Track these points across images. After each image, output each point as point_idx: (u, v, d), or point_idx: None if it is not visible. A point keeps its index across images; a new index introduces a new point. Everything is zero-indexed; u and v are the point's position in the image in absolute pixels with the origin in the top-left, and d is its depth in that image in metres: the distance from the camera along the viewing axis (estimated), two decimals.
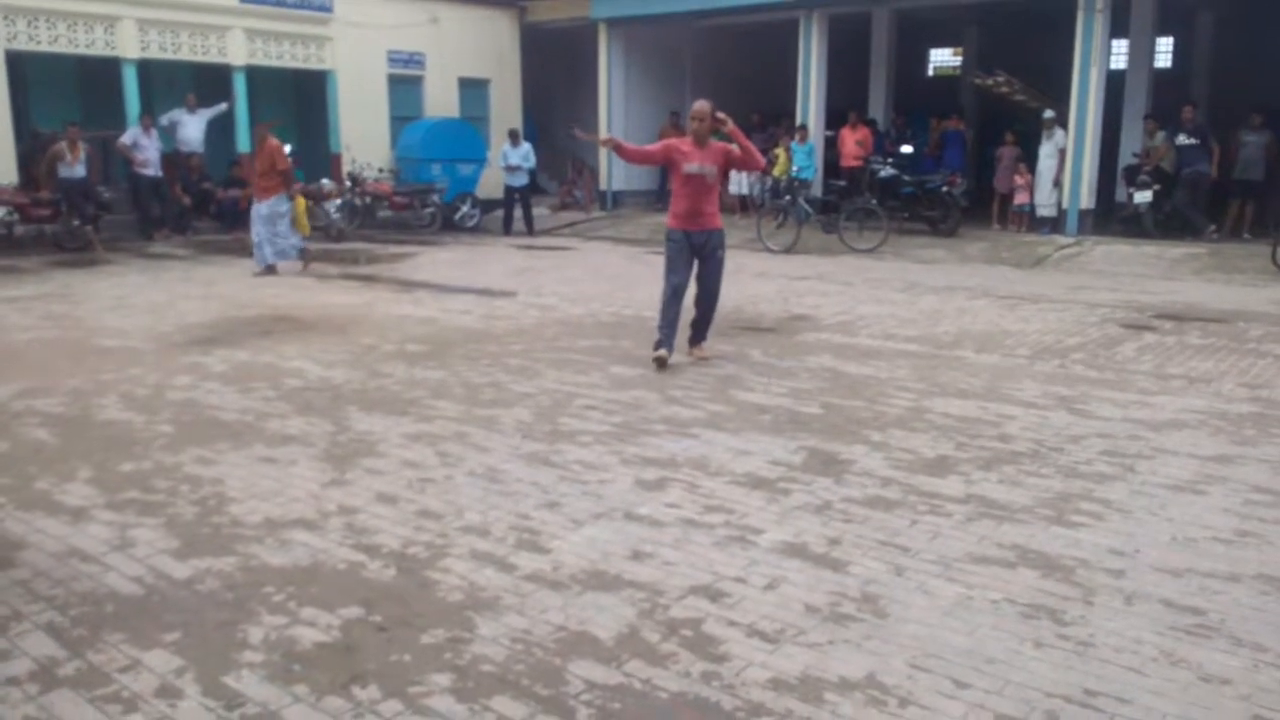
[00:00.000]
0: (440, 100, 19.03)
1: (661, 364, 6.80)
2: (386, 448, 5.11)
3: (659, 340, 6.89)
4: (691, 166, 6.80)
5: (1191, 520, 4.17)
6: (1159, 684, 2.89)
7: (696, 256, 6.96)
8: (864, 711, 2.75)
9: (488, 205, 17.83)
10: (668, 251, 7.00)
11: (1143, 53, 16.37)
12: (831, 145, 17.39)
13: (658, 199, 19.49)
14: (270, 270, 11.57)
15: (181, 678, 2.90)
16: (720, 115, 6.82)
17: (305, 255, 11.92)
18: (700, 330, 7.24)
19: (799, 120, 16.89)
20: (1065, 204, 14.90)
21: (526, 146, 16.59)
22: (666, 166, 7.09)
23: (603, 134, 7.40)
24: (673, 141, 7.07)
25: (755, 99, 20.09)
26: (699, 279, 7.05)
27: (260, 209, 11.53)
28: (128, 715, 2.71)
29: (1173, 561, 3.75)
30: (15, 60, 14.51)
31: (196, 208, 16.00)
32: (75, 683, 2.87)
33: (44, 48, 14.55)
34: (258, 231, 11.59)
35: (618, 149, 7.02)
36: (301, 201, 12.24)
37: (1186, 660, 3.02)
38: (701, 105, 6.85)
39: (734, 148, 6.88)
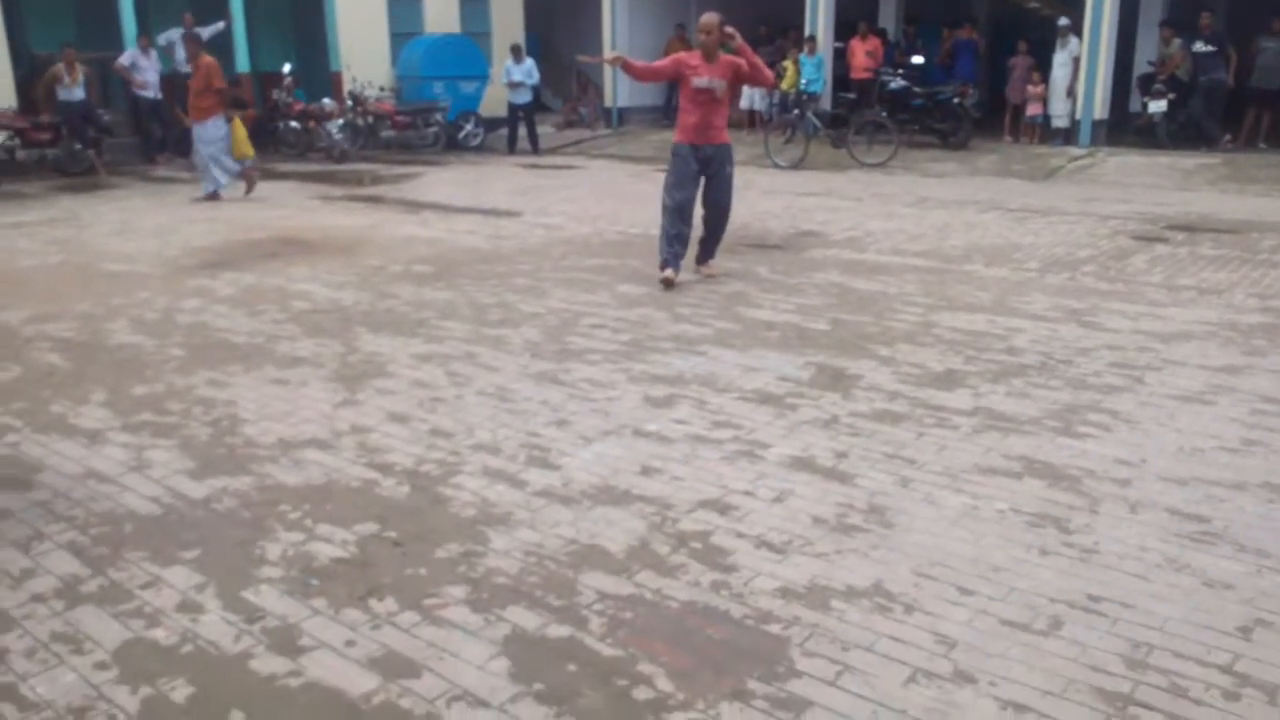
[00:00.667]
0: (441, 16, 18.63)
1: (668, 285, 6.74)
2: (396, 368, 5.14)
3: (665, 260, 6.81)
4: (700, 80, 6.68)
5: (1199, 430, 4.18)
6: (1162, 589, 2.94)
7: (703, 173, 6.85)
8: (870, 618, 2.80)
9: (491, 124, 17.58)
10: (671, 167, 6.86)
11: None
12: (841, 57, 17.04)
13: (664, 115, 19.19)
14: (213, 196, 11.09)
15: (202, 593, 2.96)
16: (729, 29, 6.68)
17: (250, 178, 11.38)
18: (709, 248, 7.18)
19: (807, 31, 16.53)
20: (1079, 114, 14.65)
21: (530, 63, 16.30)
22: (675, 81, 6.95)
23: (607, 52, 7.11)
24: (681, 56, 6.95)
25: (763, 10, 19.62)
26: (706, 196, 6.95)
27: (199, 131, 10.97)
28: (151, 629, 2.78)
29: (1179, 470, 3.77)
30: None
31: None
32: (99, 599, 2.94)
33: None
34: (201, 154, 11.06)
35: (625, 67, 6.84)
36: (240, 123, 11.54)
37: (1190, 566, 3.07)
38: (709, 18, 6.73)
39: (743, 62, 6.76)
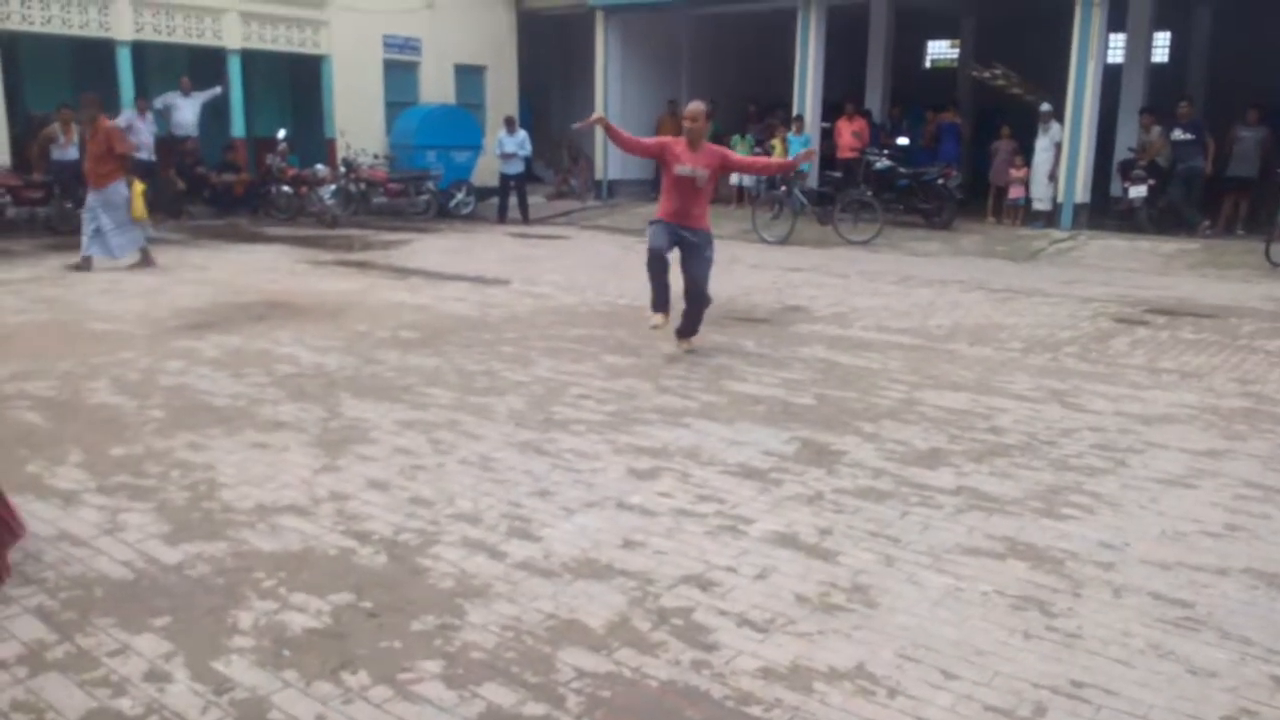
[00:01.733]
0: (436, 86, 18.95)
1: (659, 327, 6.87)
2: (379, 434, 5.11)
3: (653, 305, 6.93)
4: (683, 169, 6.63)
5: (1181, 514, 4.18)
6: (1146, 676, 2.91)
7: (680, 246, 6.81)
8: (853, 701, 2.76)
9: (483, 193, 17.77)
10: (649, 230, 6.91)
11: (1140, 47, 16.36)
12: (828, 136, 17.36)
13: (652, 189, 19.39)
14: (86, 263, 10.42)
15: (170, 662, 2.90)
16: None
17: (146, 253, 10.86)
18: (689, 324, 7.04)
19: (795, 111, 16.86)
20: (1060, 198, 14.91)
21: (522, 134, 16.55)
22: (659, 163, 6.93)
23: (595, 114, 7.15)
24: (668, 140, 6.90)
25: (752, 89, 20.05)
26: (685, 271, 6.84)
27: (99, 196, 10.36)
28: (116, 699, 2.71)
29: (1162, 555, 3.76)
30: (8, 41, 14.42)
31: (190, 192, 15.94)
32: (64, 666, 2.87)
33: (37, 28, 14.46)
34: (96, 219, 10.40)
35: (610, 131, 6.79)
36: (139, 186, 10.85)
37: (1174, 653, 3.04)
38: (696, 106, 6.74)
39: (730, 153, 6.86)
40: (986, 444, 5.10)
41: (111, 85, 15.25)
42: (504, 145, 16.39)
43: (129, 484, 4.34)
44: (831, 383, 6.31)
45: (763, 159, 7.18)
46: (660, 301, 6.91)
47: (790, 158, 15.46)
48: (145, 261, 10.82)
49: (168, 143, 15.63)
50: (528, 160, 16.87)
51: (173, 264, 11.18)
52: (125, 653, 2.95)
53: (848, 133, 16.65)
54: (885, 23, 18.88)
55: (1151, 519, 4.13)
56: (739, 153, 16.71)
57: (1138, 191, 14.27)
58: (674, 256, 6.88)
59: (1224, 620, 3.25)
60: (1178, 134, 14.06)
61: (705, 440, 5.08)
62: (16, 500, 4.10)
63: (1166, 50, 21.03)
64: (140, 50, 15.76)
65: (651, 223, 6.89)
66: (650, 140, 7.16)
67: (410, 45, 18.59)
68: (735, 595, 3.38)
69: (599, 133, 16.55)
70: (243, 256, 11.84)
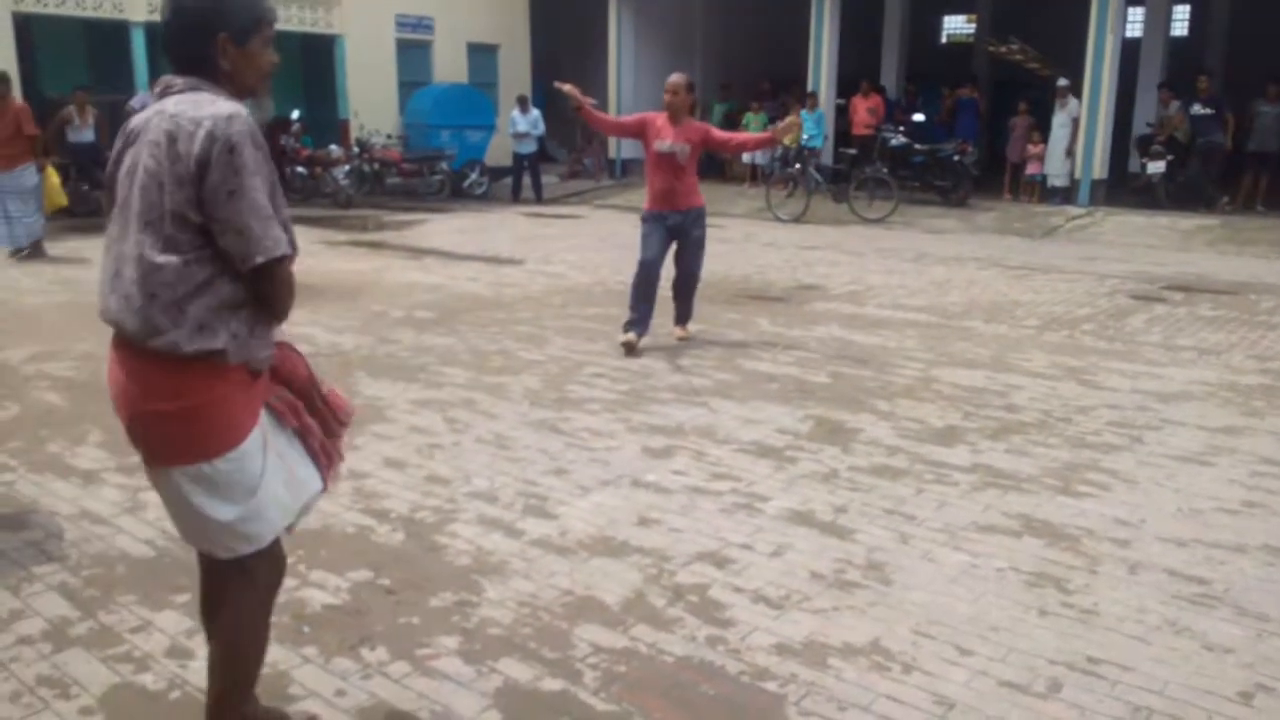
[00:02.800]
0: (449, 66, 18.91)
1: (629, 349, 6.36)
2: (395, 413, 5.13)
3: (628, 322, 6.47)
4: (662, 145, 6.32)
5: (1198, 491, 4.17)
6: (1162, 652, 2.91)
7: (673, 237, 6.50)
8: (867, 677, 2.77)
9: (496, 172, 17.75)
10: (641, 230, 6.55)
11: (1159, 21, 16.17)
12: (843, 113, 17.25)
13: None
14: (20, 253, 10.00)
15: (192, 639, 2.93)
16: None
17: (39, 244, 10.19)
18: (682, 311, 6.82)
19: (810, 88, 16.74)
20: (1078, 174, 14.79)
21: (535, 113, 16.50)
22: (641, 142, 6.54)
23: (586, 98, 6.60)
24: (648, 115, 6.56)
25: (766, 67, 19.93)
26: (676, 260, 6.60)
27: (6, 180, 9.72)
28: (139, 674, 2.75)
29: (1178, 531, 3.75)
30: (23, 24, 14.44)
31: None
32: (87, 642, 2.91)
33: (51, 10, 14.48)
34: (3, 204, 9.77)
35: (585, 112, 6.36)
36: (53, 173, 10.28)
37: (1190, 629, 3.04)
38: (676, 79, 6.44)
39: (713, 129, 6.54)
40: (1002, 421, 5.09)
41: (126, 67, 15.29)
42: (517, 125, 16.35)
43: None
44: (846, 361, 6.30)
45: (742, 135, 6.85)
46: (639, 320, 6.45)
47: (804, 135, 15.49)
48: (35, 252, 10.15)
49: None
50: (541, 140, 16.83)
51: None
52: (147, 629, 2.98)
53: (863, 109, 16.55)
54: None
55: (1168, 496, 4.12)
56: (751, 129, 16.75)
57: (1156, 167, 14.14)
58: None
59: (1240, 597, 3.24)
60: (1197, 109, 13.91)
61: (720, 418, 5.09)
62: (38, 480, 4.15)
63: (1185, 24, 20.78)
64: (154, 31, 15.75)
65: (643, 219, 6.55)
66: (629, 118, 6.81)
67: (423, 24, 18.54)
68: (750, 572, 3.40)
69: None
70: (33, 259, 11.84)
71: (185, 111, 2.04)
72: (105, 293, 2.12)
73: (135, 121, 2.12)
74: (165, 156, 2.00)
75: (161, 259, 2.02)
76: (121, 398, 2.15)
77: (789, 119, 6.66)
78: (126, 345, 2.10)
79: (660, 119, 6.41)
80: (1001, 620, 3.08)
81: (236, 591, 2.25)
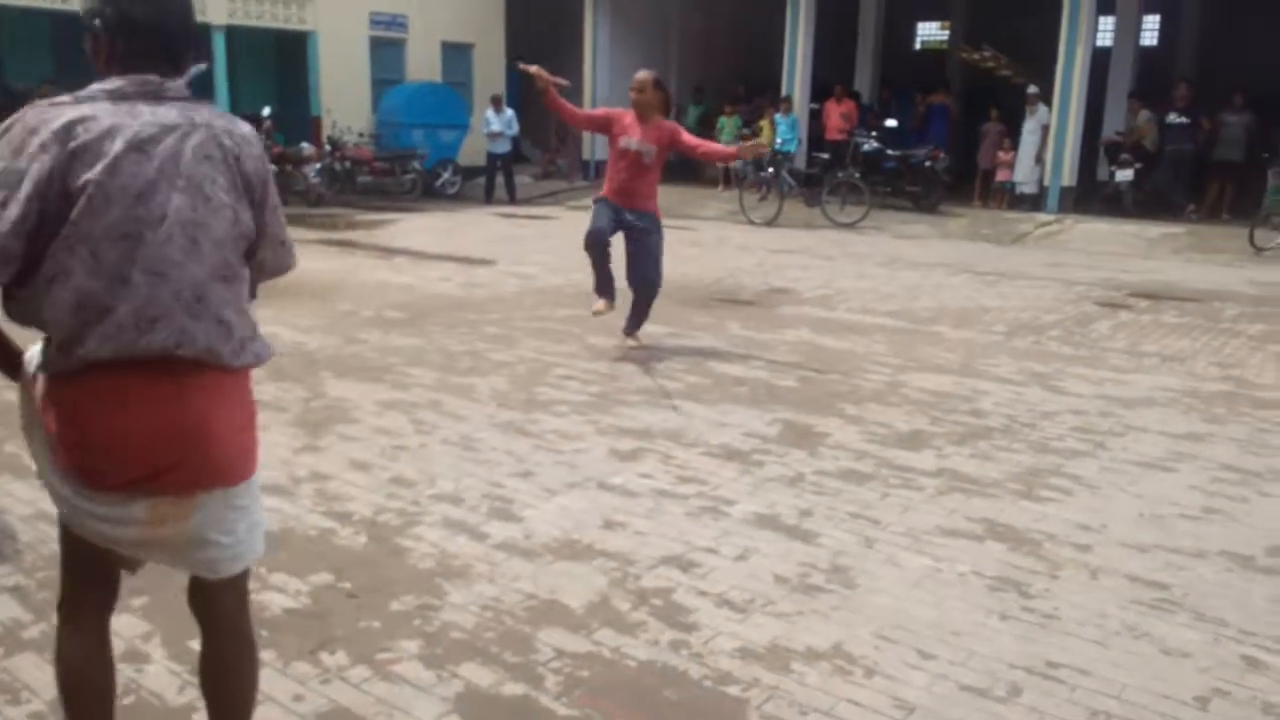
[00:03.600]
0: (423, 64, 18.81)
1: (601, 314, 6.48)
2: (360, 415, 5.09)
3: (595, 288, 6.48)
4: (629, 141, 6.15)
5: (1160, 497, 4.21)
6: (1121, 656, 2.93)
7: (623, 230, 6.32)
8: (830, 681, 2.77)
9: (470, 172, 17.68)
10: (592, 210, 6.44)
11: (1129, 30, 16.37)
12: (816, 118, 17.33)
13: None
14: None
15: (148, 642, 2.89)
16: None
17: None
18: (635, 319, 6.58)
19: (784, 92, 16.81)
20: (1047, 181, 14.94)
21: (510, 113, 16.45)
22: (607, 136, 6.39)
23: (554, 78, 6.27)
24: (616, 111, 6.40)
25: (741, 70, 19.98)
26: (629, 259, 6.39)
27: None
28: None
29: (1139, 537, 3.79)
30: None
31: None
32: (40, 646, 2.86)
33: (16, 1, 14.27)
34: None
35: (552, 100, 6.18)
36: None
37: (1149, 634, 3.06)
38: (642, 75, 6.26)
39: (682, 131, 6.35)
40: (968, 426, 5.12)
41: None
42: (491, 124, 16.30)
43: None
44: (816, 365, 6.32)
45: (709, 144, 6.63)
46: (604, 286, 6.44)
47: (778, 139, 15.53)
48: None
49: None
50: (515, 139, 16.80)
51: None
52: None
53: (836, 114, 16.63)
54: (875, 4, 18.84)
55: (1130, 501, 4.16)
56: (724, 135, 16.78)
57: (1124, 175, 14.31)
58: (618, 241, 6.43)
59: (1199, 602, 3.27)
60: (1172, 118, 14.08)
61: (688, 422, 5.09)
62: None
63: (1155, 34, 21.03)
64: None
65: (595, 200, 6.44)
66: (596, 111, 6.62)
67: (397, 22, 18.44)
68: (715, 576, 3.39)
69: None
70: None
71: (228, 126, 1.99)
72: (175, 323, 1.87)
73: (136, 128, 1.87)
74: (234, 174, 1.95)
75: (241, 274, 2.00)
76: (193, 432, 1.93)
77: (755, 140, 6.64)
78: (202, 373, 1.93)
79: (629, 116, 6.24)
80: (963, 624, 3.10)
81: (245, 616, 2.19)
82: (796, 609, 3.18)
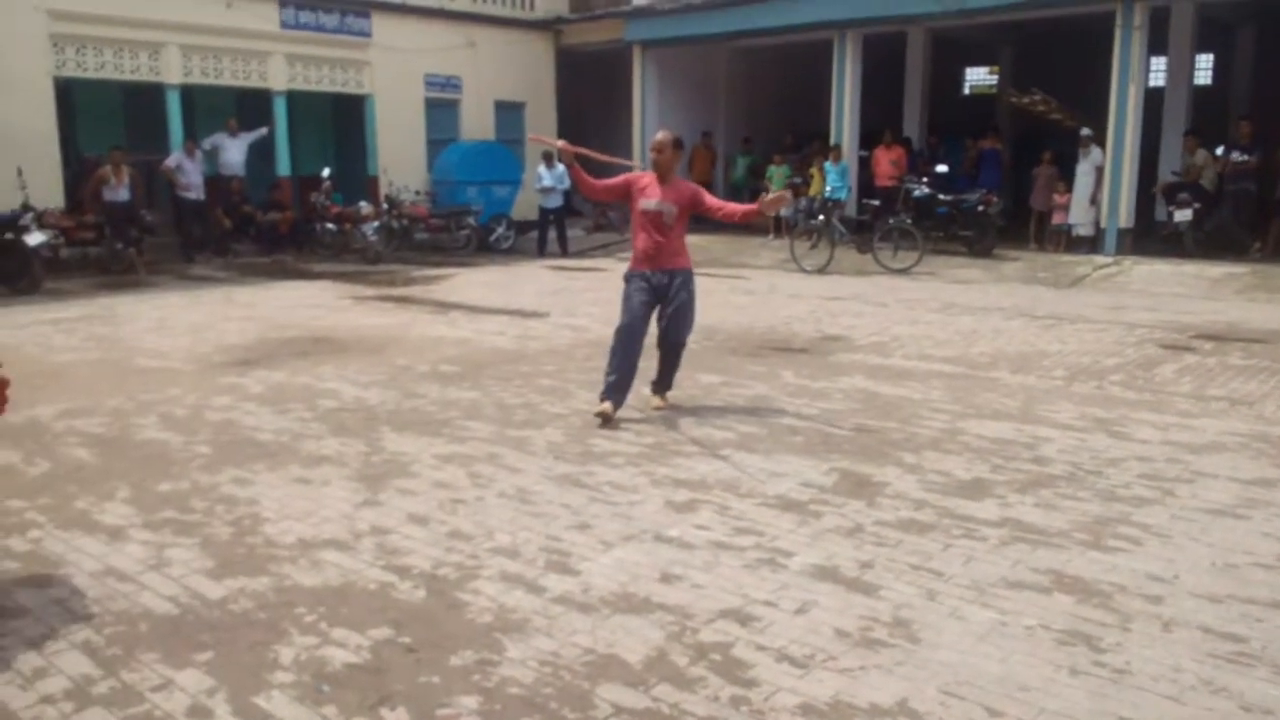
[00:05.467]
0: (476, 123, 19.23)
1: (606, 420, 5.95)
2: (419, 468, 5.14)
3: (604, 391, 6.09)
4: (649, 203, 6.07)
5: (1232, 545, 4.08)
6: (1198, 713, 2.83)
7: (658, 301, 6.17)
8: None
9: (523, 226, 17.95)
10: (623, 293, 6.22)
11: (1182, 69, 16.21)
12: (866, 165, 17.34)
13: (692, 220, 19.43)
14: None
15: (213, 697, 2.92)
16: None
17: None
18: (663, 379, 6.43)
19: (833, 140, 16.87)
20: (1103, 223, 14.74)
21: (561, 168, 16.67)
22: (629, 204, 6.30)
23: (560, 140, 6.37)
24: (633, 176, 6.30)
25: (789, 119, 20.10)
26: (661, 323, 6.23)
27: None
28: None
29: (1213, 587, 3.67)
30: (63, 87, 14.86)
31: (237, 230, 16.27)
32: (109, 701, 2.91)
33: (90, 74, 14.90)
34: None
35: (574, 174, 6.21)
36: None
37: (1227, 689, 2.96)
38: (661, 136, 6.14)
39: (705, 192, 6.24)
40: (1031, 474, 5.03)
41: (161, 127, 15.68)
42: (543, 179, 16.57)
43: (175, 519, 4.41)
44: (872, 413, 6.26)
45: (730, 205, 6.28)
46: (616, 388, 6.08)
47: (828, 186, 15.54)
48: None
49: (216, 182, 15.99)
50: (566, 194, 17.04)
51: (220, 301, 11.39)
52: (169, 688, 2.98)
53: (886, 161, 16.62)
54: (922, 51, 18.88)
55: (1202, 550, 4.03)
56: (775, 185, 16.85)
57: (1183, 215, 14.07)
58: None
59: (1278, 655, 3.15)
60: (1236, 155, 13.86)
61: (743, 472, 5.06)
62: (64, 536, 4.19)
63: (1209, 72, 20.79)
64: (189, 93, 16.19)
65: (626, 278, 6.23)
66: (614, 180, 6.37)
67: (451, 84, 18.91)
68: (774, 630, 3.35)
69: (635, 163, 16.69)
70: (287, 293, 12.04)
71: None
72: None
73: None
74: None
75: None
76: None
77: (777, 192, 6.26)
78: None
79: (647, 178, 6.18)
80: (1032, 679, 3.02)
81: None
82: (859, 664, 3.12)
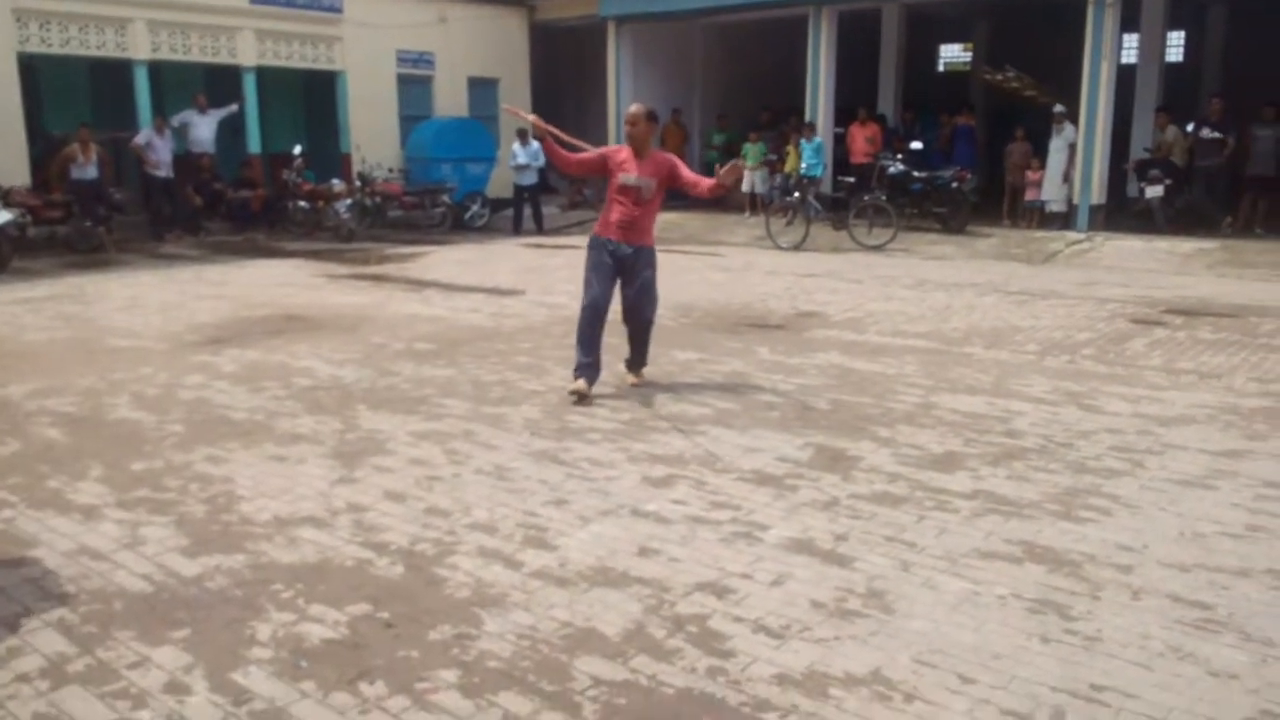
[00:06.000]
0: (450, 100, 19.06)
1: (581, 397, 5.95)
2: (395, 445, 5.13)
3: (577, 368, 6.07)
4: (628, 178, 5.98)
5: (1201, 515, 4.15)
6: (1166, 679, 2.88)
7: (620, 274, 6.15)
8: (869, 707, 2.75)
9: (497, 204, 17.85)
10: (586, 261, 6.19)
11: (1154, 46, 16.30)
12: (841, 142, 17.35)
13: (670, 197, 19.38)
14: None
15: (190, 674, 2.92)
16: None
17: None
18: (636, 357, 6.44)
19: (808, 117, 16.85)
20: (1076, 199, 14.84)
21: (536, 145, 16.54)
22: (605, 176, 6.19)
23: (530, 114, 6.40)
24: (609, 150, 6.23)
25: (765, 96, 20.05)
26: (624, 300, 6.22)
27: None
28: (136, 711, 2.74)
29: (1181, 556, 3.74)
30: (28, 63, 14.60)
31: (208, 208, 16.07)
32: (85, 679, 2.89)
33: (55, 50, 14.63)
34: None
35: (548, 148, 6.12)
36: None
37: (1194, 655, 3.02)
38: (634, 109, 6.08)
39: (678, 163, 6.15)
40: (1003, 447, 5.08)
41: (129, 104, 15.43)
42: (518, 156, 16.46)
43: (149, 498, 4.38)
44: (846, 388, 6.30)
45: (703, 181, 6.14)
46: (588, 365, 6.07)
47: (803, 164, 15.55)
48: None
49: (185, 160, 15.77)
50: (542, 171, 16.94)
51: (191, 280, 11.27)
52: (145, 665, 2.97)
53: (861, 138, 16.63)
54: (897, 27, 18.87)
55: (1170, 520, 4.10)
56: (749, 161, 16.82)
57: (1154, 191, 14.19)
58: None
59: (1245, 622, 3.22)
60: (1206, 132, 13.97)
61: (720, 447, 5.08)
62: (38, 516, 4.15)
63: (1181, 49, 20.92)
64: (157, 69, 15.94)
65: (590, 246, 6.20)
66: (589, 155, 6.30)
67: (424, 59, 18.71)
68: (751, 602, 3.38)
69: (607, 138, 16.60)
70: (260, 271, 11.93)
71: None
72: None
73: None
74: None
75: None
76: None
77: (732, 162, 6.12)
78: None
79: (624, 152, 6.09)
80: (1004, 648, 3.06)
81: None
82: (833, 634, 3.16)
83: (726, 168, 6.03)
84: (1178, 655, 3.02)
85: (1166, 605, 3.34)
